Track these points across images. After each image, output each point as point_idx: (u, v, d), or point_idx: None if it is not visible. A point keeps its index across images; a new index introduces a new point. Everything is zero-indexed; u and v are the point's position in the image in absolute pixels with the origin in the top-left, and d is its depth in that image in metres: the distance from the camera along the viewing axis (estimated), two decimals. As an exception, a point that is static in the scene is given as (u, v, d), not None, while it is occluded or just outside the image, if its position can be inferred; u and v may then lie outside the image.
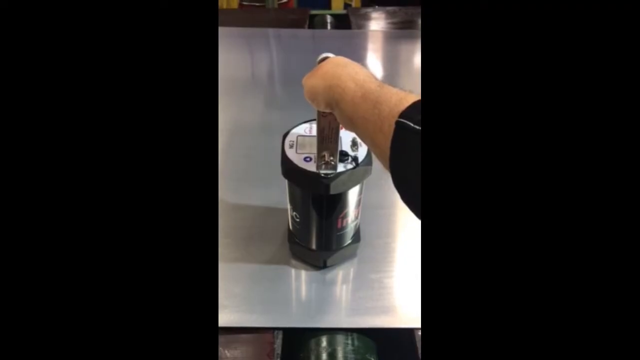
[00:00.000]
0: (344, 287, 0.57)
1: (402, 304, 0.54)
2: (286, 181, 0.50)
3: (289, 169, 0.47)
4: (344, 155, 0.46)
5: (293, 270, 0.57)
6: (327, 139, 0.43)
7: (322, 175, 0.45)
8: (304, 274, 0.57)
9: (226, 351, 0.49)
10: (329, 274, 0.57)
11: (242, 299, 0.54)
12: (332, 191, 0.46)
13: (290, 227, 0.57)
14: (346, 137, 0.47)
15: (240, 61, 1.10)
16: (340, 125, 0.41)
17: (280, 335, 0.51)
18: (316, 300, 0.55)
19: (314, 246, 0.55)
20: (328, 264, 0.57)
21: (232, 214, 0.64)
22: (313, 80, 0.39)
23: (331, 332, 0.51)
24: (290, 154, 0.47)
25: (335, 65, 0.38)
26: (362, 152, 0.47)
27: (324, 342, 0.50)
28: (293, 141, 0.49)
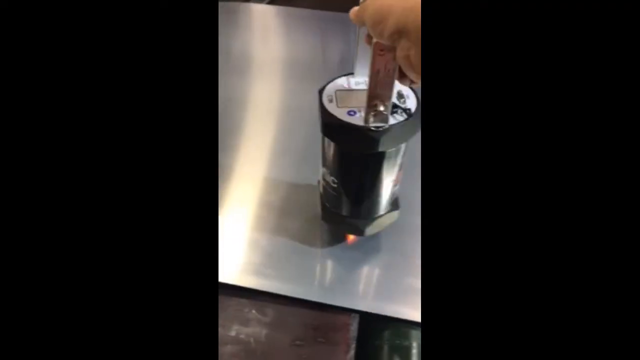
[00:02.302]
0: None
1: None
2: (322, 142, 0.45)
3: (331, 124, 0.41)
4: (393, 107, 0.41)
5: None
6: (381, 84, 0.37)
7: (372, 128, 0.39)
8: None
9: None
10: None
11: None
12: (382, 147, 0.41)
13: (323, 195, 0.52)
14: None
15: (309, 44, 0.99)
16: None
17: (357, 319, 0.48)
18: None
19: (351, 214, 0.50)
20: (367, 233, 0.52)
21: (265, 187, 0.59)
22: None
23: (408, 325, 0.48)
24: (331, 108, 0.42)
25: None
26: (410, 103, 0.42)
27: (400, 334, 0.47)
28: (332, 95, 0.43)
